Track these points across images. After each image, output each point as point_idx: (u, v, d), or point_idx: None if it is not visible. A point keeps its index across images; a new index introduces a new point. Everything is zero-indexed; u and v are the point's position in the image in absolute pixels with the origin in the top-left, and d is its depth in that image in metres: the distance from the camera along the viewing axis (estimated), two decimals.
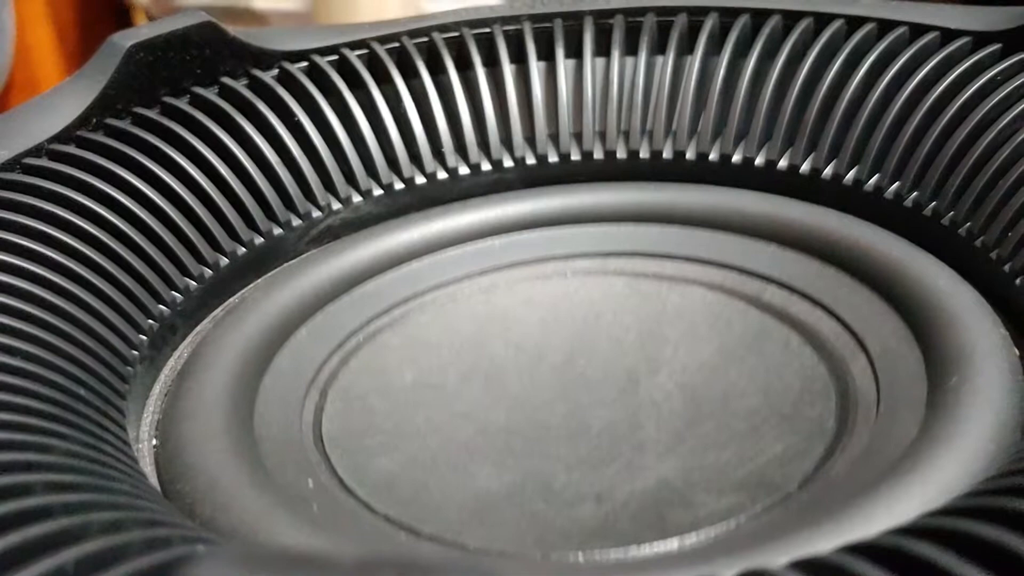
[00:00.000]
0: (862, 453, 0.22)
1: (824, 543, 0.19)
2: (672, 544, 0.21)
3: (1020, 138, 0.26)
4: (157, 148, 0.29)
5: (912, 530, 0.15)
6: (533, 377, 0.28)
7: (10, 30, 0.78)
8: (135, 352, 0.25)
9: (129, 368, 0.24)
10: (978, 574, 0.13)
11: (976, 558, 0.14)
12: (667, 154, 0.32)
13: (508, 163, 0.33)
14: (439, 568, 0.10)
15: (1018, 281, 0.24)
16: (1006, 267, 0.25)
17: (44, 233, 0.26)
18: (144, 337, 0.26)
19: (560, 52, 0.34)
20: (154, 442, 0.24)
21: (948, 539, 0.14)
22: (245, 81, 0.32)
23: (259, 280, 0.30)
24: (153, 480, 0.23)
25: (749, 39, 0.33)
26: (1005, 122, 0.27)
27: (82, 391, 0.22)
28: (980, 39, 0.29)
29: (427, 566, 0.11)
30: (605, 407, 0.27)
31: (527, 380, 0.28)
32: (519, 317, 0.30)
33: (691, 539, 0.21)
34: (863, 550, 0.15)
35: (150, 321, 0.26)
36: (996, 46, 0.29)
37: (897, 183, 0.29)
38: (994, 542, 0.14)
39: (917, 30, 0.30)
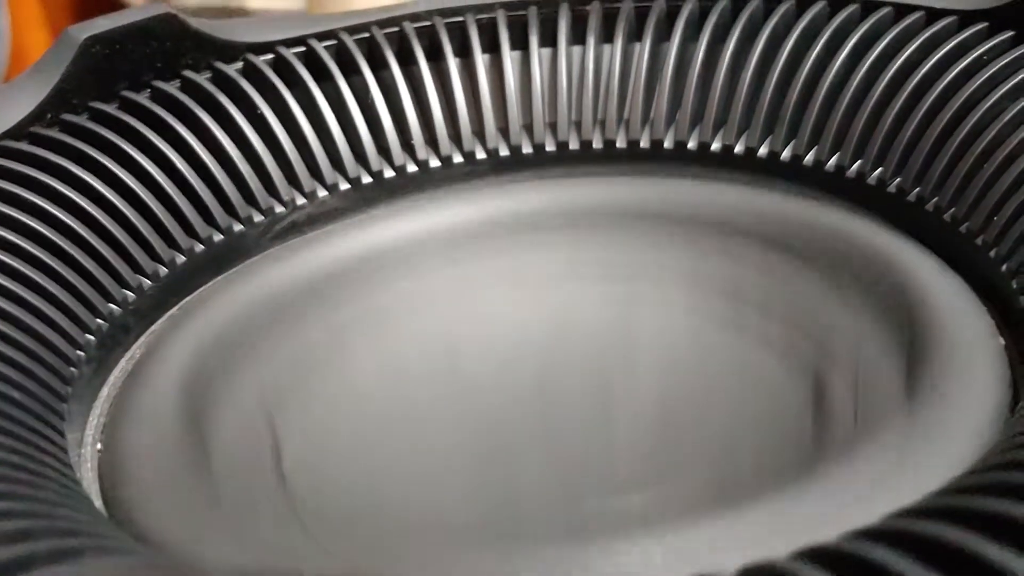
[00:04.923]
0: (841, 452, 0.21)
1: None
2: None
3: (1006, 119, 0.25)
4: (112, 143, 0.28)
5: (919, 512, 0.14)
6: (504, 389, 0.27)
7: (5, 33, 0.77)
8: (80, 353, 0.24)
9: (73, 369, 0.23)
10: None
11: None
12: (644, 143, 0.31)
13: (480, 155, 0.32)
14: None
15: (1004, 268, 0.23)
16: (992, 253, 0.24)
17: None
18: (91, 337, 0.25)
19: (535, 40, 0.33)
20: (99, 446, 0.23)
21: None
22: (208, 74, 0.31)
23: (218, 278, 0.29)
24: (94, 487, 0.22)
25: (728, 23, 0.31)
26: (991, 103, 0.26)
27: (15, 393, 0.21)
28: (966, 18, 0.28)
29: None
30: (575, 430, 0.26)
31: (498, 394, 0.27)
32: (491, 319, 0.28)
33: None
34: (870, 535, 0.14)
35: (98, 320, 0.25)
36: (983, 24, 0.28)
37: (880, 168, 0.27)
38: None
39: (902, 10, 0.29)
